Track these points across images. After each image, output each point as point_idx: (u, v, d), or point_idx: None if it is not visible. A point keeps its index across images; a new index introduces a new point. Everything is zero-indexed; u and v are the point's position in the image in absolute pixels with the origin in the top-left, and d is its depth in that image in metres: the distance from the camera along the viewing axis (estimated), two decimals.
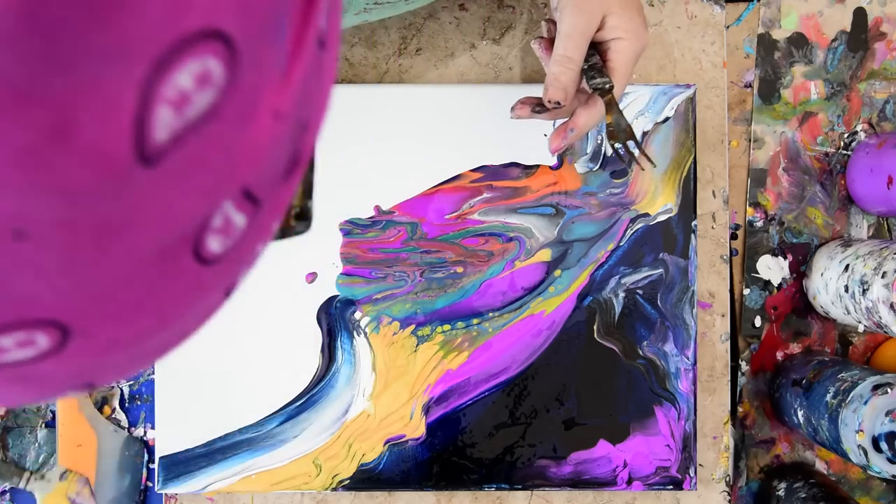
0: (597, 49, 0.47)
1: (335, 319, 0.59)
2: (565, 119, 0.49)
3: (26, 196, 0.14)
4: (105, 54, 0.13)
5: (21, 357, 0.17)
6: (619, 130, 0.47)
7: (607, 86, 0.46)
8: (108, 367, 0.19)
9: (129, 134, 0.14)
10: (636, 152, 0.47)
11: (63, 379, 0.19)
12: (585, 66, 0.46)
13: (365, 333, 0.59)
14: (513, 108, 0.50)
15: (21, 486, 0.49)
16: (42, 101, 0.13)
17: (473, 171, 0.59)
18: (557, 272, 0.59)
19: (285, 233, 0.25)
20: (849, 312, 0.56)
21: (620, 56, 0.46)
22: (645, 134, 0.59)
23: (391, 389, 0.58)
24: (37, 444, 0.62)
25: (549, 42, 0.49)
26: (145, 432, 0.61)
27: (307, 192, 0.25)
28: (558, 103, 0.46)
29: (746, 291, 0.62)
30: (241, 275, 0.21)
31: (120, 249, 0.16)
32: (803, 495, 0.58)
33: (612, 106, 0.47)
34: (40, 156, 0.13)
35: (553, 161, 0.59)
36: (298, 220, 0.25)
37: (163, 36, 0.14)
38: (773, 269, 0.62)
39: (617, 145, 0.48)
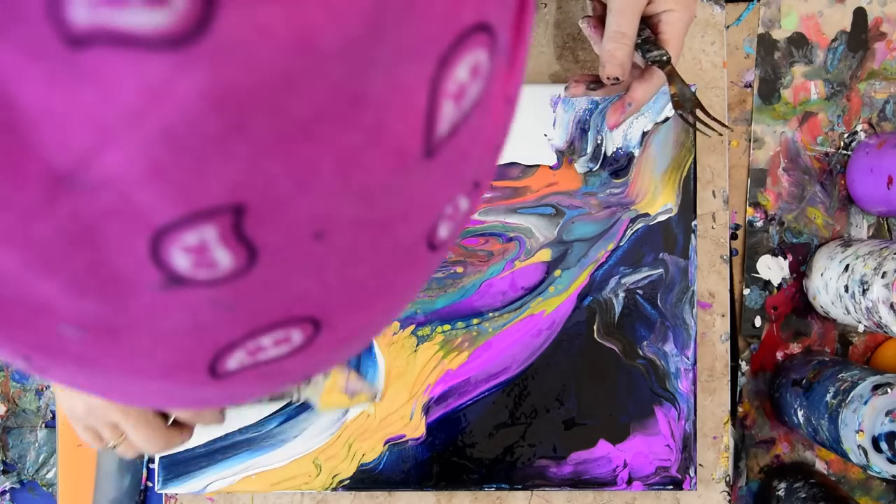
0: (647, 23, 0.48)
1: None
2: (616, 95, 0.50)
3: (339, 198, 0.14)
4: (408, 53, 0.13)
5: (275, 355, 0.17)
6: (685, 99, 0.48)
7: (664, 57, 0.47)
8: (335, 360, 0.20)
9: (422, 129, 0.14)
10: (706, 119, 0.48)
11: (298, 373, 0.19)
12: (639, 41, 0.47)
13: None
14: (567, 87, 0.51)
15: (294, 400, 0.49)
16: (368, 103, 0.13)
17: None
18: (557, 272, 0.59)
19: None
20: (849, 312, 0.56)
21: (672, 28, 0.47)
22: (644, 134, 0.59)
23: (391, 389, 0.58)
24: (37, 444, 0.62)
25: (598, 20, 0.49)
26: None
27: None
28: (617, 79, 0.47)
29: (746, 291, 0.62)
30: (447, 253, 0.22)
31: (389, 243, 0.16)
32: (803, 495, 0.58)
33: (673, 76, 0.47)
34: (360, 156, 0.13)
35: (553, 161, 0.59)
36: None
37: (448, 31, 0.14)
38: (773, 269, 0.62)
39: (685, 115, 0.48)
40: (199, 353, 0.16)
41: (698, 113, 0.48)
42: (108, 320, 0.15)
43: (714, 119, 0.48)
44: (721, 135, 0.50)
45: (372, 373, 0.56)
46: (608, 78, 0.47)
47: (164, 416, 0.44)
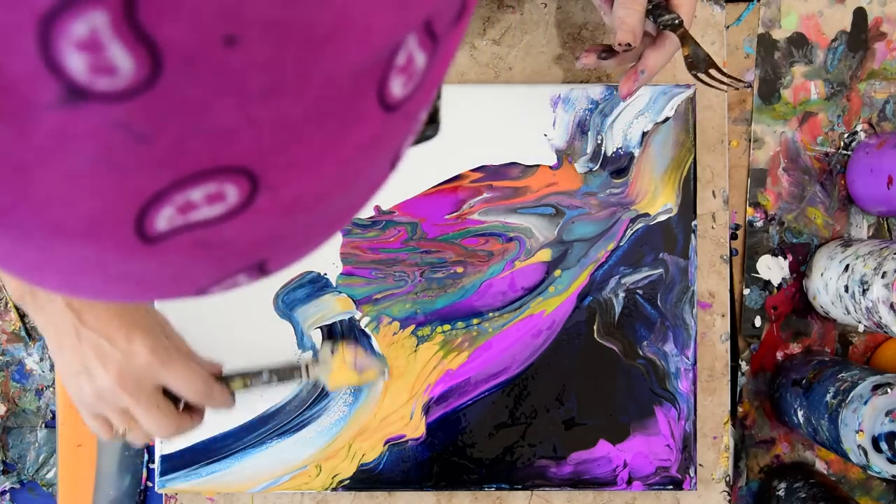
0: None
1: (336, 322, 0.59)
2: (630, 64, 0.49)
3: None
4: None
5: (210, 215, 0.16)
6: (699, 60, 0.48)
7: (677, 21, 0.46)
8: (285, 235, 0.18)
9: None
10: (721, 77, 0.48)
11: (244, 247, 0.18)
12: (650, 6, 0.47)
13: (366, 334, 0.59)
14: (578, 58, 0.51)
15: (303, 379, 0.48)
16: None
17: (473, 171, 0.59)
18: (557, 272, 0.59)
19: (418, 138, 0.24)
20: (849, 312, 0.56)
21: None
22: (644, 134, 0.59)
23: (391, 389, 0.58)
24: (37, 444, 0.62)
25: None
26: None
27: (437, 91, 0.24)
28: (629, 45, 0.46)
29: (746, 291, 0.62)
30: (407, 140, 0.20)
31: (319, 70, 0.15)
32: (803, 495, 0.58)
33: (686, 38, 0.47)
34: None
35: (553, 161, 0.59)
36: (429, 122, 0.24)
37: None
38: (773, 269, 0.62)
39: (701, 76, 0.48)
40: (121, 203, 0.15)
41: (713, 73, 0.48)
42: (13, 153, 0.14)
43: (730, 77, 0.48)
44: (737, 89, 0.49)
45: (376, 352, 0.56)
46: (620, 45, 0.46)
47: (175, 401, 0.44)
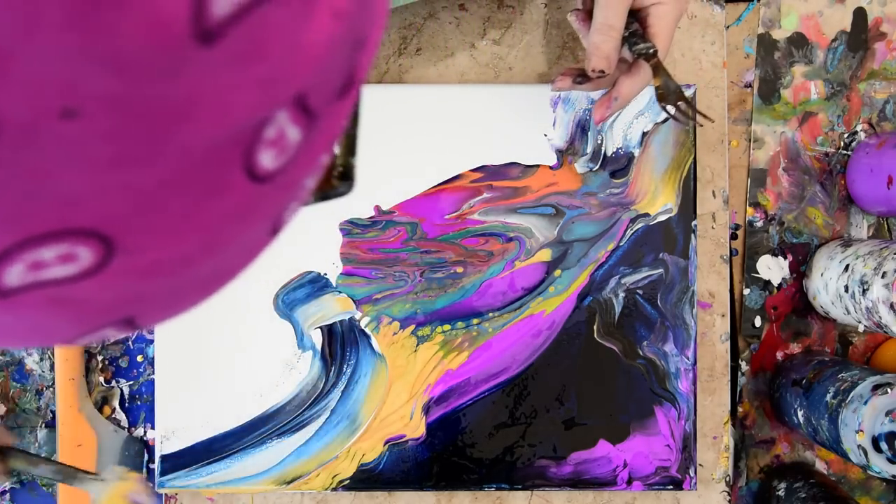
0: (636, 16, 0.47)
1: (336, 323, 0.59)
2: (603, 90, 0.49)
3: (77, 63, 0.12)
4: None
5: (62, 274, 0.16)
6: (669, 92, 0.48)
7: (651, 50, 0.46)
8: (150, 296, 0.18)
9: (188, 1, 0.13)
10: (689, 112, 0.48)
11: (103, 306, 0.18)
12: (626, 34, 0.47)
13: (366, 334, 0.59)
14: (553, 81, 0.50)
15: (80, 486, 0.48)
16: None
17: (473, 171, 0.59)
18: (557, 272, 0.59)
19: (327, 194, 0.24)
20: (849, 312, 0.56)
21: (661, 21, 0.47)
22: (644, 134, 0.59)
23: (391, 389, 0.58)
24: (37, 444, 0.62)
25: (586, 14, 0.49)
26: (145, 432, 0.61)
27: (350, 148, 0.24)
28: (602, 72, 0.46)
29: (746, 291, 0.62)
30: (289, 208, 0.20)
31: (172, 143, 0.15)
32: (803, 495, 0.58)
33: (658, 69, 0.47)
34: (94, 15, 0.12)
35: (553, 161, 0.59)
36: (341, 179, 0.24)
37: None
38: (773, 269, 0.62)
39: (669, 108, 0.48)
40: None
41: (681, 105, 0.48)
42: None
43: (697, 112, 0.48)
44: (701, 125, 0.49)
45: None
46: (593, 71, 0.46)
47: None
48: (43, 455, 0.47)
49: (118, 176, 0.15)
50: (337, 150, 0.24)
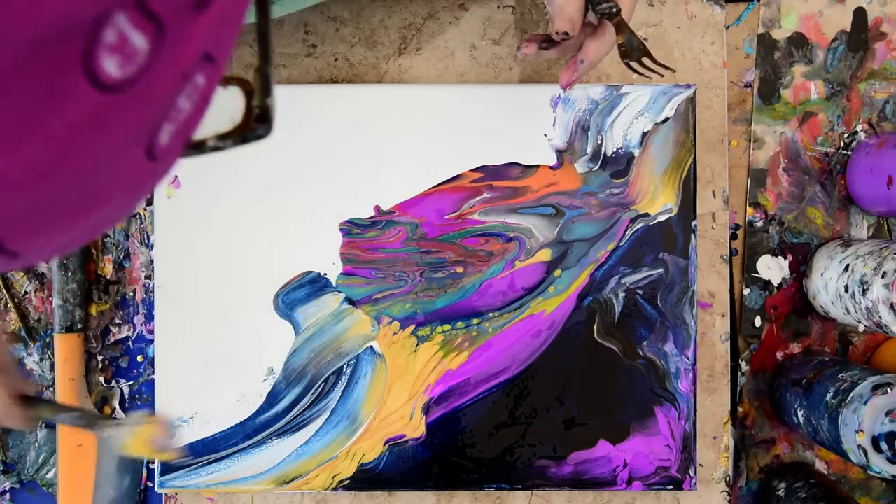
0: None
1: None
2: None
3: None
4: None
5: None
6: (633, 49, 0.47)
7: (614, 9, 0.46)
8: (9, 214, 0.18)
9: None
10: (653, 66, 0.48)
11: None
12: None
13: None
14: (519, 48, 0.50)
15: (102, 432, 0.48)
16: None
17: (473, 171, 0.59)
18: (557, 272, 0.59)
19: (246, 136, 0.24)
20: (849, 312, 0.56)
21: None
22: (644, 134, 0.59)
23: (391, 389, 0.58)
24: (37, 444, 0.62)
25: None
26: None
27: (265, 88, 0.24)
28: (566, 34, 0.46)
29: (746, 291, 0.62)
30: (163, 129, 0.19)
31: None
32: (803, 495, 0.58)
33: (621, 27, 0.47)
34: None
35: (553, 161, 0.59)
36: (259, 121, 0.24)
37: None
38: (773, 269, 0.62)
39: (633, 64, 0.48)
40: None
41: (646, 61, 0.48)
42: None
43: (660, 64, 0.48)
44: (662, 76, 0.49)
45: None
46: (557, 33, 0.46)
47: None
48: (67, 407, 0.47)
49: None
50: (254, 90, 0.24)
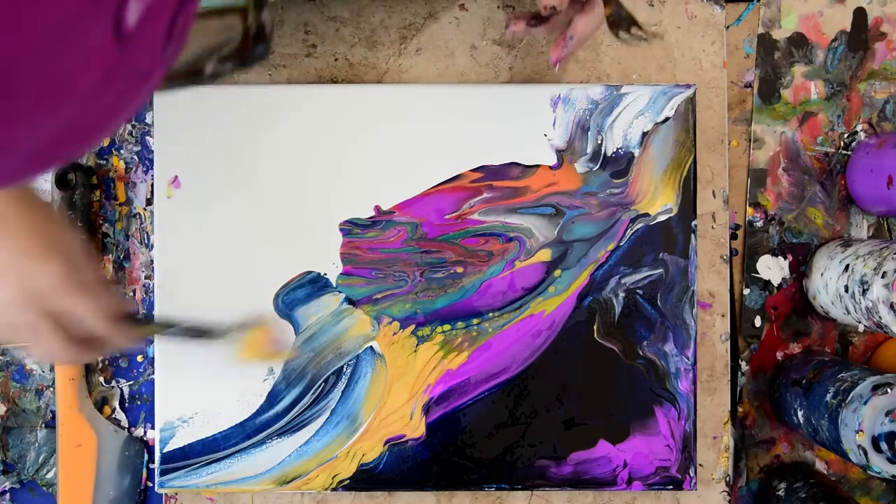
0: None
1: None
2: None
3: None
4: None
5: None
6: (621, 19, 0.48)
7: None
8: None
9: None
10: (640, 33, 0.48)
11: None
12: None
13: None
14: (507, 26, 0.50)
15: (218, 339, 0.47)
16: None
17: (473, 171, 0.59)
18: (557, 272, 0.59)
19: (245, 58, 0.24)
20: (849, 312, 0.56)
21: None
22: (644, 134, 0.59)
23: (391, 389, 0.58)
24: (37, 444, 0.62)
25: None
26: (145, 432, 0.61)
27: (258, 4, 0.24)
28: (554, 9, 0.46)
29: (746, 291, 0.62)
30: (129, 4, 0.19)
31: None
32: (803, 495, 0.58)
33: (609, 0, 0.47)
34: None
35: (553, 161, 0.59)
36: (256, 41, 0.24)
37: None
38: (773, 269, 0.62)
39: (621, 33, 0.48)
40: None
41: (633, 30, 0.48)
42: None
43: (646, 31, 0.48)
44: (649, 42, 0.49)
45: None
46: (545, 8, 0.46)
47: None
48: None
49: None
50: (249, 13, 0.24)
